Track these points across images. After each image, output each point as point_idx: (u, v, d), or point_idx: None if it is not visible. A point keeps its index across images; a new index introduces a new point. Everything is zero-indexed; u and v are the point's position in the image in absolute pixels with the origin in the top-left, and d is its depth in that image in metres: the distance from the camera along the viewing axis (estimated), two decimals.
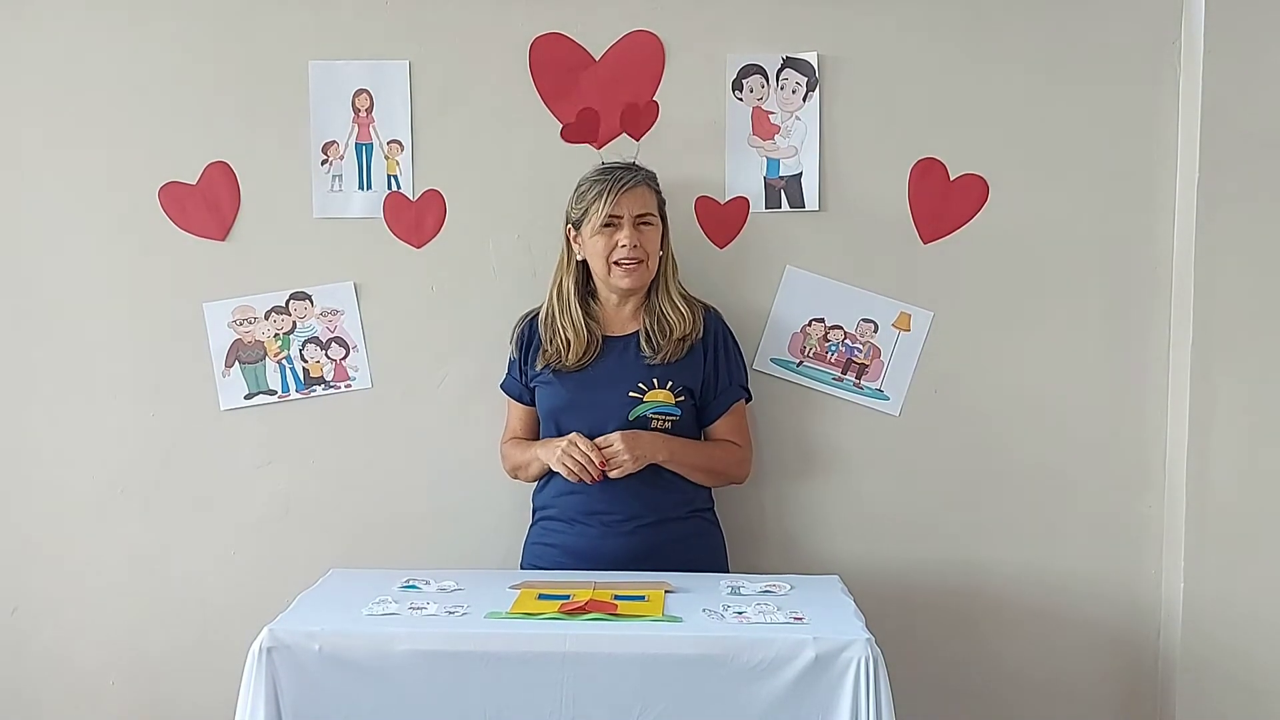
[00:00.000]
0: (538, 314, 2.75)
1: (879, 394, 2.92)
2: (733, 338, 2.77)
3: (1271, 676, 2.84)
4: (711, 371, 2.71)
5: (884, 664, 2.10)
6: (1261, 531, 2.82)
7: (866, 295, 2.90)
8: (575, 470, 2.59)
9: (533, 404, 2.75)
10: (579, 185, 2.69)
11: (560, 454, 2.60)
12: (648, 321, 2.69)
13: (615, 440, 2.60)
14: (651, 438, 2.63)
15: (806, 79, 2.87)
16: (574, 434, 2.62)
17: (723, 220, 2.90)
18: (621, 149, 2.81)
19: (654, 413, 2.65)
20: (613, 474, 2.59)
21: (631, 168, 2.69)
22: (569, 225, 2.70)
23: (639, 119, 2.84)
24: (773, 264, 2.91)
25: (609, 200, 2.61)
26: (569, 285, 2.71)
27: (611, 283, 2.67)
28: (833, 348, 2.92)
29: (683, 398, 2.67)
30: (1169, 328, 2.88)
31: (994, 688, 2.95)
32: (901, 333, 2.91)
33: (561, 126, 2.85)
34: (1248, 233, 2.78)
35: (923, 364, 2.91)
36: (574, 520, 2.66)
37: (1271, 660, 2.84)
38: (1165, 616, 2.90)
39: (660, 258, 2.70)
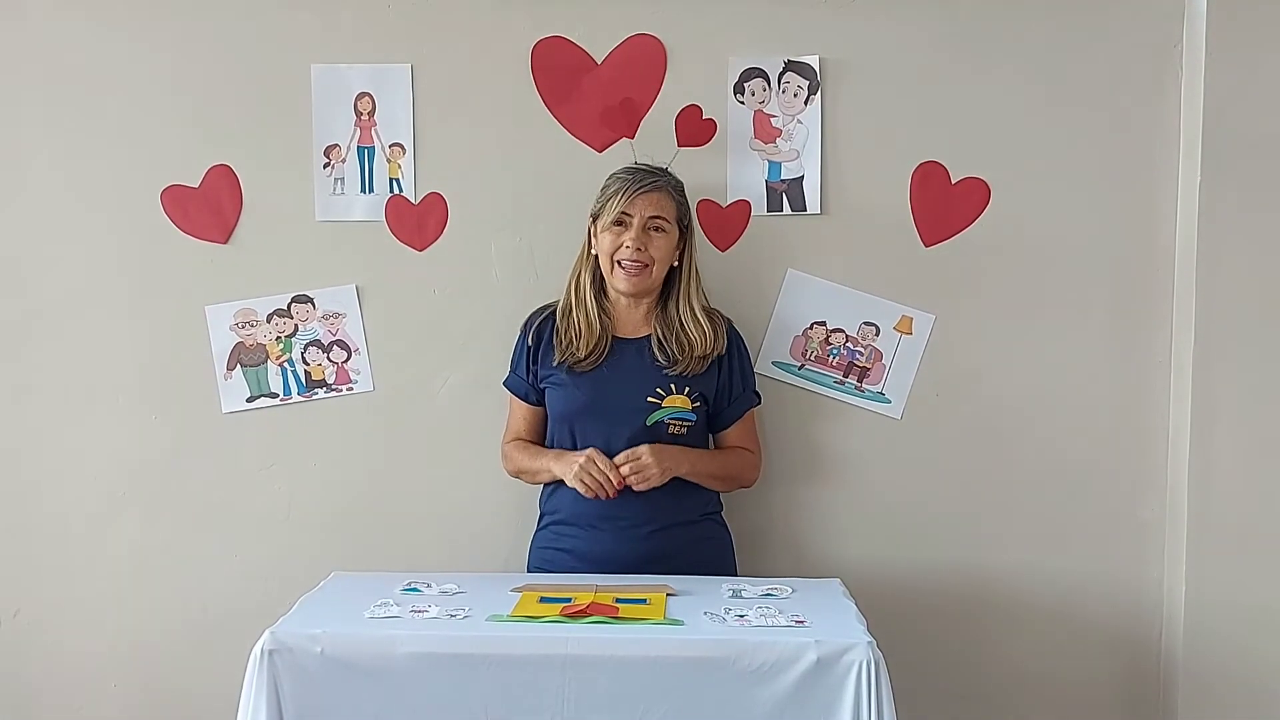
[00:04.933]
0: (552, 309, 2.74)
1: (881, 397, 2.92)
2: (745, 345, 2.78)
3: (1273, 678, 2.84)
4: (727, 380, 2.71)
5: (885, 667, 2.10)
6: (1263, 534, 2.82)
7: (868, 299, 2.90)
8: (592, 488, 2.58)
9: (538, 404, 2.74)
10: (606, 180, 2.68)
11: (578, 470, 2.58)
12: (661, 329, 2.68)
13: (644, 453, 2.59)
14: (675, 452, 2.63)
15: (808, 82, 2.88)
16: (592, 450, 2.60)
17: (724, 223, 2.91)
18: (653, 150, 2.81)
19: (671, 418, 2.64)
20: (638, 487, 2.58)
21: (658, 171, 2.68)
22: (591, 219, 2.70)
23: (691, 130, 2.84)
24: (774, 267, 2.91)
25: (623, 199, 2.61)
26: (586, 279, 2.70)
27: (612, 282, 2.67)
28: (834, 351, 2.92)
29: (698, 403, 2.67)
30: (1171, 331, 2.88)
31: (996, 690, 2.95)
32: (903, 336, 2.91)
33: (604, 109, 2.85)
34: (1249, 237, 2.78)
35: (924, 367, 2.91)
36: (589, 525, 2.64)
37: (1273, 662, 2.84)
38: (1167, 618, 2.90)
39: (677, 268, 2.69)
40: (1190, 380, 2.82)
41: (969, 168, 2.89)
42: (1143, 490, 2.92)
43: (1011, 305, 2.90)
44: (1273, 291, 2.79)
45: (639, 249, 2.61)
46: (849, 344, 2.92)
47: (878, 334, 2.91)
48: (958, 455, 2.93)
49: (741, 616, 2.24)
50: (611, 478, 2.57)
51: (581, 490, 2.59)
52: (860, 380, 2.92)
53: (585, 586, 2.41)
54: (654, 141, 2.83)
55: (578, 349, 2.65)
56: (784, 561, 2.91)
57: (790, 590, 2.42)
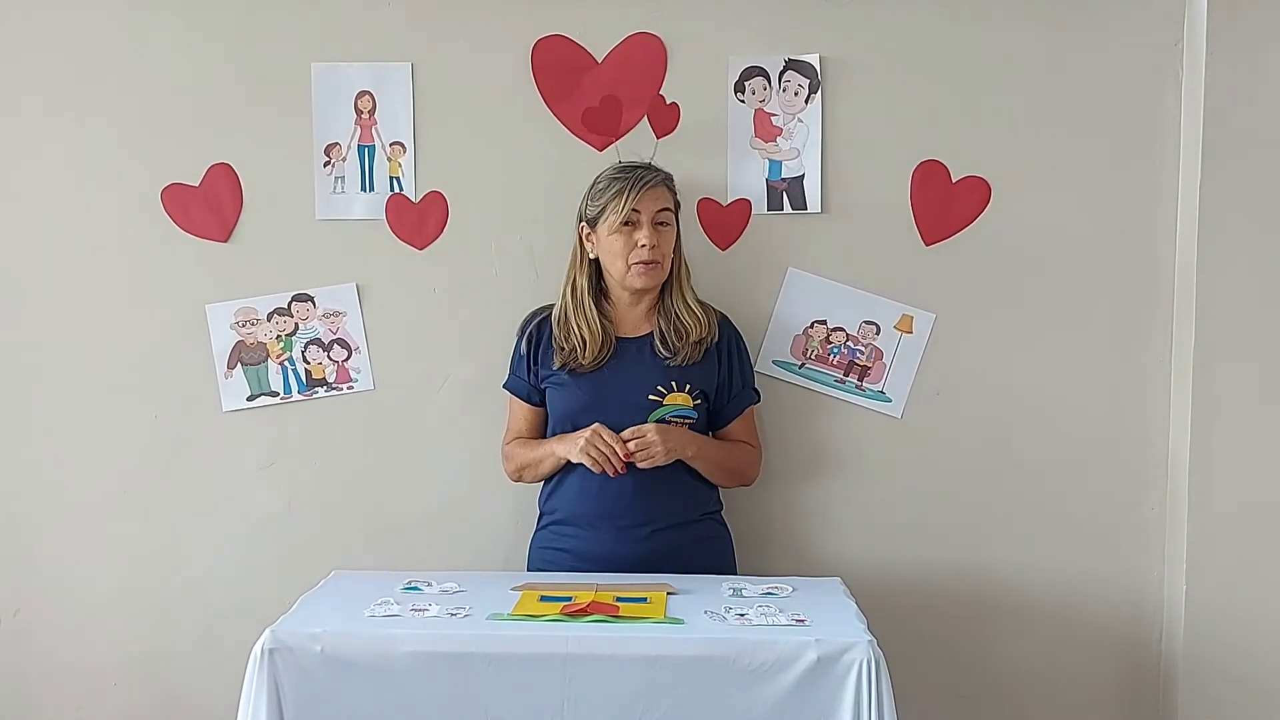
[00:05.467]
0: (548, 313, 2.74)
1: (881, 396, 2.92)
2: (743, 341, 2.78)
3: (1273, 679, 2.84)
4: (726, 376, 2.72)
5: (886, 666, 2.10)
6: (1263, 534, 2.82)
7: (868, 297, 2.90)
8: (599, 461, 2.57)
9: (539, 405, 2.74)
10: (595, 182, 2.68)
11: (584, 444, 2.57)
12: (662, 324, 2.68)
13: (649, 431, 2.58)
14: (681, 433, 2.63)
15: (809, 81, 2.87)
16: (597, 425, 2.59)
17: (725, 222, 2.91)
18: (637, 149, 2.82)
19: (672, 415, 2.64)
20: (642, 464, 2.56)
21: (650, 167, 2.68)
22: (582, 223, 2.69)
23: (663, 118, 2.85)
24: (775, 266, 2.91)
25: (630, 198, 2.60)
26: (583, 283, 2.69)
27: (627, 282, 2.66)
28: (835, 350, 2.92)
29: (699, 400, 2.67)
30: (1171, 330, 2.88)
31: (996, 690, 2.95)
32: (903, 335, 2.91)
33: (584, 110, 2.85)
34: (1250, 236, 2.78)
35: (925, 366, 2.91)
36: (589, 525, 2.64)
37: (1273, 663, 2.83)
38: (1167, 619, 2.90)
39: (673, 260, 2.69)
40: (1190, 379, 2.81)
41: (970, 166, 2.88)
42: (1143, 489, 2.91)
43: (1012, 304, 2.90)
44: (1273, 290, 2.79)
45: (654, 245, 2.61)
46: (849, 343, 2.92)
47: (878, 333, 2.91)
48: (958, 454, 2.93)
49: (742, 615, 2.24)
50: (618, 450, 2.56)
51: (589, 464, 2.57)
52: (861, 379, 2.92)
53: (586, 585, 2.41)
54: (646, 138, 2.85)
55: (581, 357, 2.65)
56: (784, 561, 2.91)
57: (791, 589, 2.42)
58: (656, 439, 2.57)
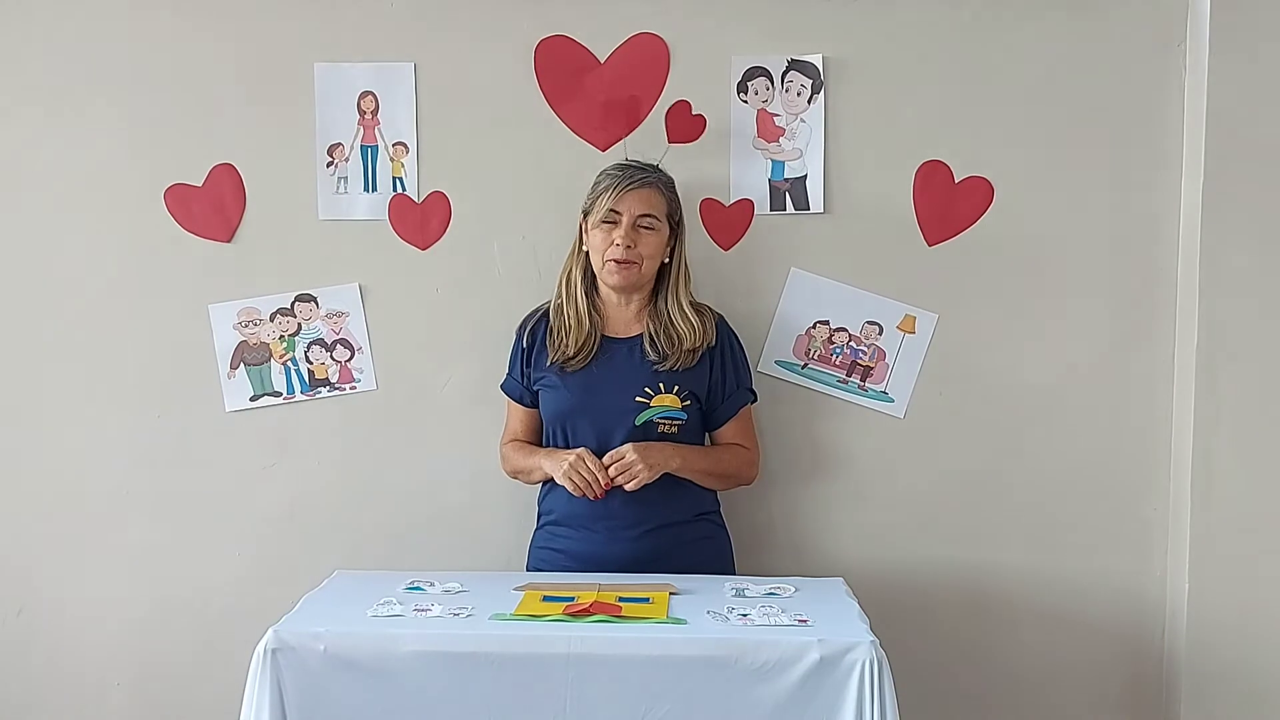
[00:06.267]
0: (544, 312, 2.75)
1: (884, 396, 2.92)
2: (738, 341, 2.77)
3: (1275, 679, 2.83)
4: (719, 378, 2.71)
5: (888, 666, 2.10)
6: (1266, 534, 2.82)
7: (871, 297, 2.90)
8: (580, 486, 2.58)
9: (533, 406, 2.75)
10: (597, 176, 2.69)
11: (567, 468, 2.58)
12: (653, 326, 2.68)
13: (628, 452, 2.58)
14: (662, 447, 2.62)
15: (811, 81, 2.87)
16: (582, 449, 2.60)
17: (727, 222, 2.91)
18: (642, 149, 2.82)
19: (660, 417, 2.64)
20: (629, 486, 2.57)
21: (648, 168, 2.68)
22: (582, 214, 2.70)
23: (684, 127, 2.85)
24: (777, 266, 2.91)
25: (612, 196, 2.61)
26: (577, 275, 2.70)
27: (603, 278, 2.67)
28: (837, 350, 2.92)
29: (689, 402, 2.66)
30: (1174, 330, 2.88)
31: (999, 690, 2.95)
32: (906, 335, 2.91)
33: (603, 100, 2.86)
34: (1253, 236, 2.78)
35: (927, 366, 2.91)
36: (581, 525, 2.65)
37: (1275, 662, 2.83)
38: (1170, 618, 2.90)
39: (667, 265, 2.69)
40: (1194, 378, 2.81)
41: (972, 166, 2.88)
42: (1145, 488, 2.91)
43: (1015, 304, 2.90)
44: (1276, 290, 2.79)
45: (628, 246, 2.61)
46: (852, 343, 2.92)
47: (881, 333, 2.91)
48: (961, 454, 2.93)
49: (744, 615, 2.24)
50: (600, 477, 2.57)
51: (570, 489, 2.59)
52: (863, 379, 2.92)
53: (588, 585, 2.41)
54: (649, 139, 2.84)
55: (568, 345, 2.65)
56: (785, 561, 2.91)
57: (793, 589, 2.42)
58: (635, 458, 2.57)
